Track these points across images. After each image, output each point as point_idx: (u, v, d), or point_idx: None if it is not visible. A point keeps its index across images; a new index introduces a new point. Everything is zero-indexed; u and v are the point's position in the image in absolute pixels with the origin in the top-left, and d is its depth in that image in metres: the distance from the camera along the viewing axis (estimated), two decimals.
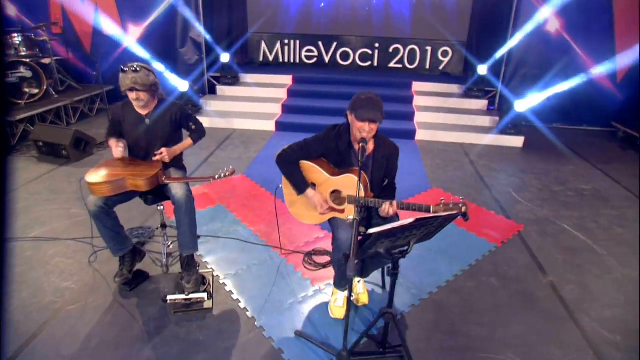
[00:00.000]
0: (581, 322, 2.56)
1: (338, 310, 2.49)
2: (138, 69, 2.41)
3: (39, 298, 2.60)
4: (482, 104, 6.54)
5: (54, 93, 5.98)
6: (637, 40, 6.02)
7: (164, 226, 2.94)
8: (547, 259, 3.19)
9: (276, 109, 6.49)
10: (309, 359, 2.21)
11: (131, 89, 2.44)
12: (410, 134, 5.93)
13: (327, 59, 7.88)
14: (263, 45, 7.90)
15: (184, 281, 2.57)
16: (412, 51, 7.60)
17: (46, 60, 6.05)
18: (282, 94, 6.81)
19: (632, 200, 4.30)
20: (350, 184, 2.23)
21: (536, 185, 4.56)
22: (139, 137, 2.64)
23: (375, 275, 2.81)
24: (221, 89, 6.92)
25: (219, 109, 6.51)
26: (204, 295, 2.52)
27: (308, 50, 7.86)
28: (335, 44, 7.77)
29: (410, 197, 4.07)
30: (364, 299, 2.61)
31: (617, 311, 2.67)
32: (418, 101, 6.58)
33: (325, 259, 3.07)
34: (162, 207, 2.87)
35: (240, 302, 2.62)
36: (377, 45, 7.68)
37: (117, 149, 2.61)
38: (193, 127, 2.82)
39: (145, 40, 6.64)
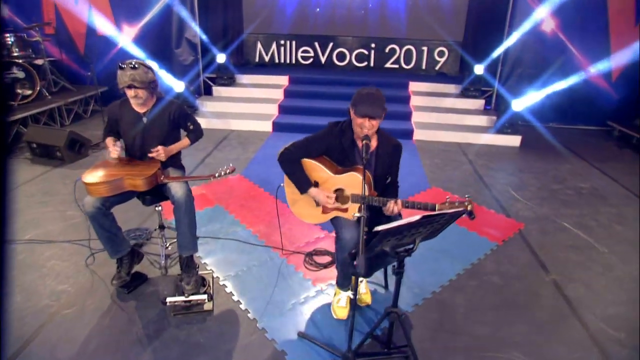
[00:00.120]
0: (585, 319, 2.54)
1: (341, 310, 2.45)
2: (137, 65, 2.36)
3: (34, 302, 2.54)
4: (478, 103, 6.55)
5: (47, 94, 5.89)
6: (632, 40, 6.07)
7: (162, 227, 2.88)
8: (549, 257, 3.18)
9: (273, 110, 6.45)
10: None
11: (129, 86, 2.39)
12: (407, 134, 5.92)
13: (323, 59, 7.86)
14: (259, 45, 7.87)
15: (183, 283, 2.52)
16: (408, 51, 7.61)
17: (39, 61, 5.96)
18: (279, 94, 6.77)
19: (630, 198, 4.31)
20: (354, 182, 2.20)
21: (535, 184, 4.56)
22: (136, 136, 2.59)
23: (378, 276, 2.78)
24: (217, 90, 6.87)
25: (215, 109, 6.45)
26: (204, 297, 2.48)
27: (304, 51, 7.84)
28: (331, 44, 7.75)
29: (410, 197, 4.05)
30: (366, 299, 2.57)
31: (620, 309, 2.66)
32: (415, 101, 6.58)
33: (327, 259, 3.03)
34: (160, 208, 2.81)
35: (241, 303, 2.57)
36: (373, 45, 7.67)
37: (114, 149, 2.55)
38: (191, 126, 2.77)
39: (140, 41, 6.57)
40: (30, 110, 5.35)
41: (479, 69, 6.33)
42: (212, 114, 6.26)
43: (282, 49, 7.85)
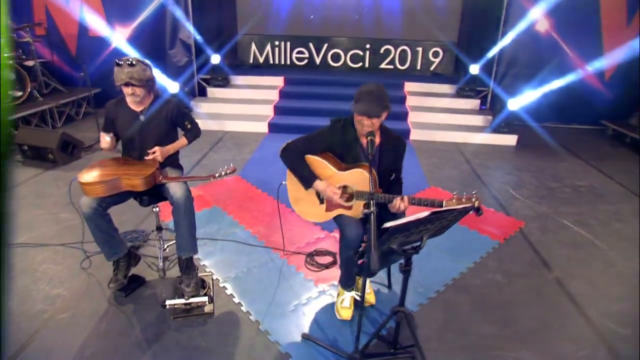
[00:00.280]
0: (590, 316, 2.52)
1: (345, 311, 2.40)
2: (134, 62, 2.30)
3: (27, 307, 2.45)
4: (474, 103, 6.56)
5: (38, 96, 5.78)
6: (624, 40, 6.13)
7: (159, 229, 2.81)
8: (551, 255, 3.16)
9: (268, 111, 6.40)
10: None
11: (126, 84, 2.33)
12: (404, 134, 5.89)
13: (318, 60, 7.83)
14: (253, 47, 7.82)
15: (183, 285, 2.45)
16: (403, 52, 7.61)
17: (30, 63, 5.85)
18: (274, 95, 6.73)
19: (627, 195, 4.33)
20: (359, 179, 2.16)
21: (533, 182, 4.56)
22: (133, 135, 2.53)
23: (381, 275, 2.75)
24: (211, 91, 6.80)
25: (210, 110, 6.39)
26: (205, 299, 2.42)
27: (299, 52, 7.80)
28: (326, 45, 7.73)
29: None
30: (370, 299, 2.53)
31: (624, 305, 2.65)
32: (411, 101, 6.57)
33: (328, 259, 2.98)
34: (157, 209, 2.75)
35: (242, 305, 2.51)
36: (368, 46, 7.67)
37: (104, 139, 2.51)
38: (188, 126, 2.72)
39: (133, 42, 6.46)
40: (21, 112, 5.24)
41: (474, 69, 6.34)
42: (206, 115, 6.19)
43: (277, 49, 7.81)
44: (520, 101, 5.81)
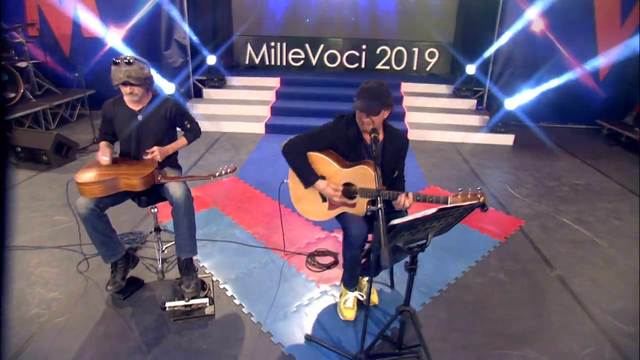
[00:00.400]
0: (594, 314, 2.51)
1: (348, 311, 2.37)
2: (132, 61, 2.26)
3: (23, 311, 2.39)
4: (471, 103, 6.58)
5: (31, 97, 5.70)
6: (618, 40, 6.18)
7: (157, 230, 2.77)
8: (552, 253, 3.16)
9: (265, 112, 6.36)
10: None
11: (124, 83, 2.28)
12: None
13: (314, 61, 7.81)
14: (249, 47, 7.77)
15: (183, 286, 2.40)
16: (399, 52, 7.61)
17: (22, 64, 5.77)
18: (271, 96, 6.69)
19: (624, 193, 4.34)
20: (363, 176, 2.13)
21: (531, 181, 4.57)
22: (131, 134, 2.49)
23: (383, 275, 2.72)
24: (207, 92, 6.76)
25: (206, 112, 6.34)
26: (205, 300, 2.37)
27: (295, 53, 7.77)
28: (322, 46, 7.71)
29: None
30: (373, 298, 2.50)
31: (627, 302, 2.64)
32: (407, 101, 6.57)
33: (329, 259, 2.95)
34: (155, 210, 2.70)
35: (243, 307, 2.47)
36: (364, 47, 7.66)
37: (102, 157, 2.41)
38: (188, 125, 2.69)
39: (128, 42, 6.40)
40: (14, 113, 5.15)
41: (470, 69, 6.35)
42: (203, 116, 6.13)
43: (273, 50, 7.78)
44: (517, 101, 5.83)
